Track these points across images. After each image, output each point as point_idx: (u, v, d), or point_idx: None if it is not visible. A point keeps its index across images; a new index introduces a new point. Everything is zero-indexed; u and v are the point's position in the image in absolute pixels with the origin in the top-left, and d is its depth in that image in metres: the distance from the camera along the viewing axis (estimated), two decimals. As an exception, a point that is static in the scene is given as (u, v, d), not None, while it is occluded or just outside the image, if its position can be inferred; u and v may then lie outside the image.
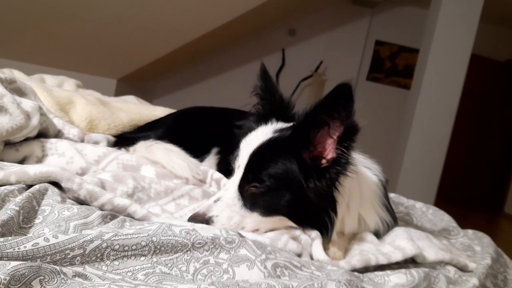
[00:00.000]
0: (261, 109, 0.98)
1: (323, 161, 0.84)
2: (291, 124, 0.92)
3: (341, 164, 0.82)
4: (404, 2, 5.39)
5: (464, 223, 1.45)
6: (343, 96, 0.76)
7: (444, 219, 1.33)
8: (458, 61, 3.73)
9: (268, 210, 0.85)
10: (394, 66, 5.67)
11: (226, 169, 1.13)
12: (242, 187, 0.86)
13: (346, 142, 0.80)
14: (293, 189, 0.84)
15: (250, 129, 0.94)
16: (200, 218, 0.81)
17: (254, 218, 0.85)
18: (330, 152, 0.83)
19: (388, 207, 1.02)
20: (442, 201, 3.68)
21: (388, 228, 0.98)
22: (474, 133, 5.77)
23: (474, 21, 3.67)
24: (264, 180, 0.84)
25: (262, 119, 0.96)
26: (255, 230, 0.85)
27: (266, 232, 0.85)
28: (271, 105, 0.96)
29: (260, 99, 0.98)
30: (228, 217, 0.83)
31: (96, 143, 1.25)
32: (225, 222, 0.82)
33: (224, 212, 0.84)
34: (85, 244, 0.61)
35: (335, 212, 0.85)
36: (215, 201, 0.85)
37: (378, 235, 0.98)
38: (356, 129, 0.80)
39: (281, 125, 0.93)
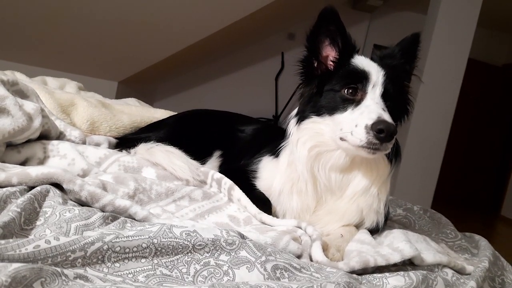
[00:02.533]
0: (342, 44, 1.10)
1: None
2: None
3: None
4: (403, 7, 5.43)
5: (461, 226, 1.46)
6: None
7: (441, 222, 1.34)
8: (455, 65, 3.76)
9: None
10: (392, 70, 5.71)
11: (227, 171, 1.14)
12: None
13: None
14: (407, 107, 1.09)
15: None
16: (387, 122, 0.91)
17: None
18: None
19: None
20: (439, 204, 3.69)
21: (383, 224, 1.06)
22: (471, 136, 5.79)
23: (471, 26, 3.69)
24: (395, 97, 1.01)
25: (347, 52, 1.09)
26: None
27: None
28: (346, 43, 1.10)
29: (330, 39, 1.11)
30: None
31: (97, 145, 1.25)
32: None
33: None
34: (86, 246, 0.61)
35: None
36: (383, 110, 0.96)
37: (373, 231, 1.02)
38: None
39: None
